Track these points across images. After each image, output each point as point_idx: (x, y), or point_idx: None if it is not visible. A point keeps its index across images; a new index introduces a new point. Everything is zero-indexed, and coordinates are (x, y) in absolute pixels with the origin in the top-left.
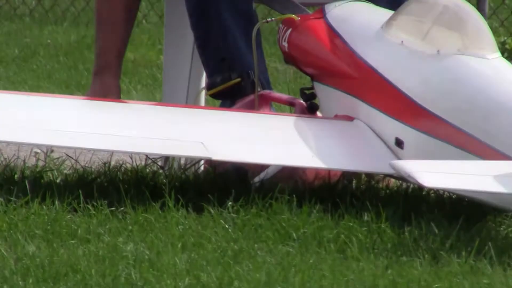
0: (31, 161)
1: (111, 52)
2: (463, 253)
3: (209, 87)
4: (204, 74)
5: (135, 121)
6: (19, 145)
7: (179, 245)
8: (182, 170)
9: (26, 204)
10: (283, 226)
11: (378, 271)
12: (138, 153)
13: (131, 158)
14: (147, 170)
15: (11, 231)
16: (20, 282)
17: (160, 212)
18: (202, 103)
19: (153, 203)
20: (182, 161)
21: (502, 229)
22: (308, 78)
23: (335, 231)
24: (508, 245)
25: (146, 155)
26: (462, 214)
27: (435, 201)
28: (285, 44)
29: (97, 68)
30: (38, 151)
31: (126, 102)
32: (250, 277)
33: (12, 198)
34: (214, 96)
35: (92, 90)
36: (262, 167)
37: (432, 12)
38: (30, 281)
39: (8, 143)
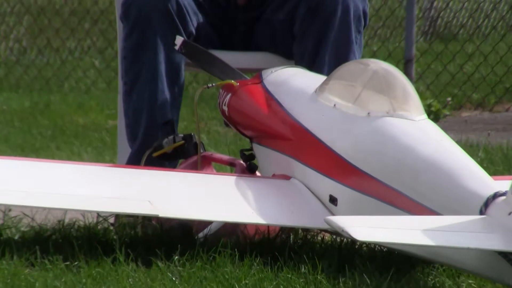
0: None
1: None
2: None
3: (155, 149)
4: None
5: (87, 181)
6: None
7: None
8: (131, 227)
9: None
10: (226, 278)
11: None
12: (90, 211)
13: (83, 216)
14: (99, 227)
15: None
16: None
17: (111, 266)
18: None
19: (105, 258)
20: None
21: (429, 279)
22: (247, 140)
23: (274, 283)
24: None
25: (98, 213)
26: (393, 266)
27: (367, 254)
28: (225, 108)
29: None
30: None
31: (77, 164)
32: None
33: None
34: (159, 157)
35: None
36: (206, 224)
37: (363, 76)
38: None
39: None
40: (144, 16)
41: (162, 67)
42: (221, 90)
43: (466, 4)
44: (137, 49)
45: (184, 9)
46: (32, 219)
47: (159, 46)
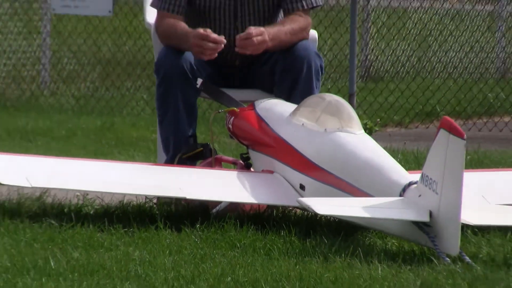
0: (74, 200)
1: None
2: (343, 255)
3: (183, 153)
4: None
5: (139, 175)
6: (67, 190)
7: (167, 252)
8: (168, 205)
9: (72, 227)
10: (231, 239)
11: (290, 267)
12: (140, 195)
13: (136, 198)
14: (146, 205)
15: (63, 244)
16: (70, 275)
17: (155, 231)
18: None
19: (150, 226)
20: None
21: (366, 239)
22: (245, 147)
23: (263, 242)
24: (371, 249)
25: (146, 196)
26: (342, 231)
27: (325, 223)
28: (230, 126)
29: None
30: (79, 194)
31: (132, 163)
32: (211, 271)
33: (63, 224)
34: (186, 158)
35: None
36: (217, 203)
37: (321, 105)
38: (76, 274)
39: (60, 189)
40: (169, 74)
41: (181, 106)
42: (227, 114)
43: (389, 57)
44: (164, 95)
45: (195, 67)
46: (102, 200)
47: (179, 93)
